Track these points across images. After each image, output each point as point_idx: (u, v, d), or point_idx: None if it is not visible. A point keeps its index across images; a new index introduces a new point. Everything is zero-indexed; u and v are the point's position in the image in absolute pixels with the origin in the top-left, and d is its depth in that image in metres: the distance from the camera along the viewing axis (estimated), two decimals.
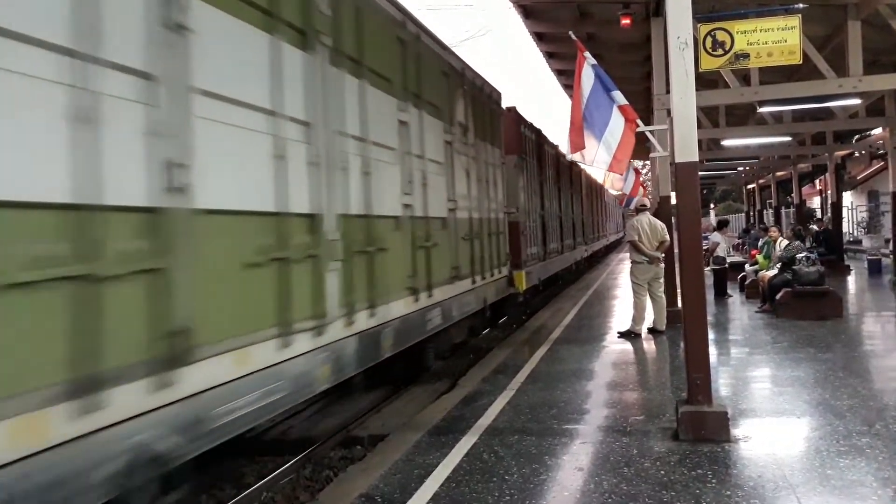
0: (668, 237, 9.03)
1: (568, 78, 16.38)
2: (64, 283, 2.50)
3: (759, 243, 13.77)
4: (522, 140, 11.68)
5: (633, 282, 9.18)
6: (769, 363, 7.04)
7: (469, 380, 6.88)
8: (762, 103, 10.92)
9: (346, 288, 4.66)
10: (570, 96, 8.21)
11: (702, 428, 4.63)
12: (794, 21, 8.35)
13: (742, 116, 17.25)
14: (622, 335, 8.92)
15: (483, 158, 8.89)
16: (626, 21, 11.01)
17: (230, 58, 3.60)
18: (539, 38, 14.02)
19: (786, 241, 11.29)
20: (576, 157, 6.63)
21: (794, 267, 10.03)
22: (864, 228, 25.68)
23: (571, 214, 17.28)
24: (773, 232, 12.22)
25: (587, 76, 6.38)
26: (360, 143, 5.11)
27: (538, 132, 13.63)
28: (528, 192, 12.07)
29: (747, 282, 12.63)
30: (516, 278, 10.26)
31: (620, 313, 11.11)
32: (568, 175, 17.60)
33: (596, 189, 26.19)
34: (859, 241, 23.74)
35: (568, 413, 5.52)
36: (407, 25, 6.33)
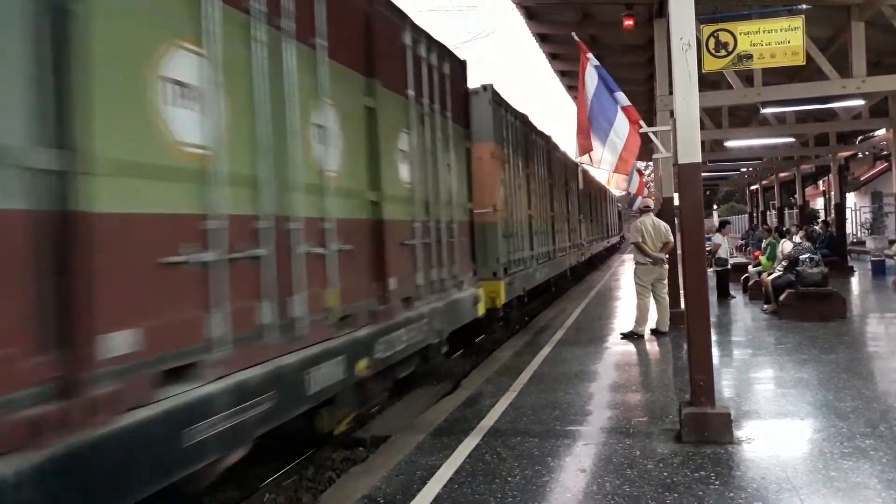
0: (671, 238, 9.02)
1: (571, 79, 16.41)
2: None
3: (763, 244, 13.77)
4: None
5: (636, 283, 9.16)
6: (772, 364, 7.03)
7: (471, 381, 6.88)
8: (765, 104, 10.91)
9: None
10: (574, 98, 8.21)
11: (705, 429, 4.63)
12: (798, 22, 8.35)
13: (745, 117, 17.26)
14: (625, 336, 8.91)
15: None
16: (628, 22, 11.04)
17: None
18: (542, 39, 14.06)
19: (796, 240, 11.24)
20: (584, 159, 6.63)
21: (797, 268, 10.02)
22: (867, 229, 25.62)
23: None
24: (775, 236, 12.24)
25: (590, 77, 6.39)
26: None
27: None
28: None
29: (750, 283, 12.62)
30: None
31: (623, 314, 11.10)
32: (545, 154, 12.76)
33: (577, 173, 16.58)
34: (863, 242, 23.68)
35: (570, 414, 5.51)
36: None
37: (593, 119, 6.29)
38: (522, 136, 11.02)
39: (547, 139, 13.59)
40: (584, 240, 18.93)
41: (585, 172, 17.93)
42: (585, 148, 6.41)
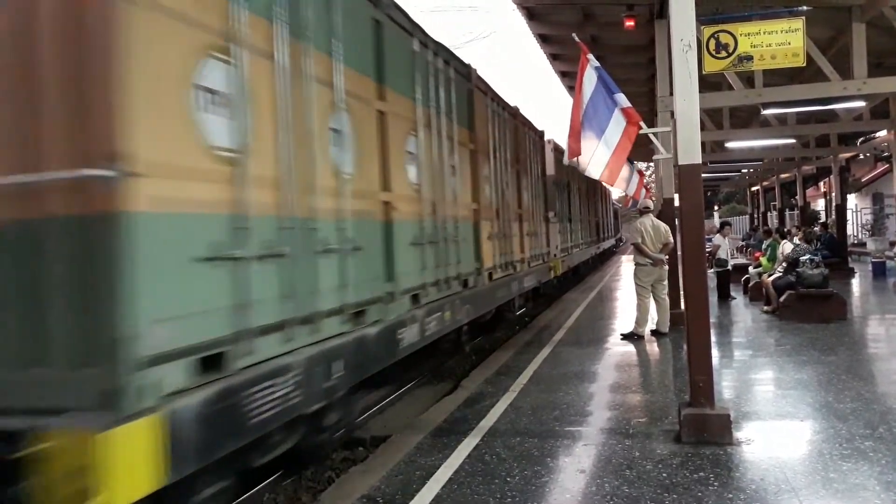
0: (671, 239, 9.02)
1: (572, 80, 16.35)
2: None
3: (763, 245, 13.76)
4: None
5: (636, 284, 9.16)
6: (772, 366, 7.03)
7: (471, 381, 6.88)
8: (766, 105, 10.89)
9: None
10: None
11: (704, 430, 4.63)
12: (798, 23, 8.35)
13: (746, 118, 17.24)
14: (625, 337, 8.91)
15: None
16: (629, 23, 11.03)
17: None
18: (543, 39, 14.05)
19: (795, 242, 11.23)
20: (573, 162, 6.62)
21: (798, 269, 10.01)
22: (868, 231, 25.61)
23: None
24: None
25: (589, 79, 6.39)
26: None
27: None
28: None
29: (750, 284, 12.62)
30: None
31: (623, 315, 11.10)
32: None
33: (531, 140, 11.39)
34: (863, 244, 23.65)
35: (570, 415, 5.52)
36: None
37: (586, 123, 6.27)
38: (394, 38, 5.39)
39: (469, 72, 7.78)
40: (557, 248, 13.19)
41: (557, 149, 13.46)
42: (575, 151, 6.39)
